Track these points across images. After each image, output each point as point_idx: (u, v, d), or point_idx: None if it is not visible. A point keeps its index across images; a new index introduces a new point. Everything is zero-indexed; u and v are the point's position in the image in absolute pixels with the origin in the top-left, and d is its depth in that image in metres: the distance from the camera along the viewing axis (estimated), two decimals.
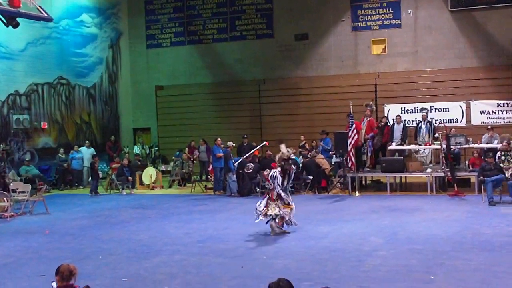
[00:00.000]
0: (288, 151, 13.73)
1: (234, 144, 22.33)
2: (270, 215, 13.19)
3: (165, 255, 11.58)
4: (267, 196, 13.38)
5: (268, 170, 13.48)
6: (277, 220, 13.31)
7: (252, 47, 29.43)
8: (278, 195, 13.22)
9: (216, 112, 29.59)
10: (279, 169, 13.28)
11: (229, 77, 29.73)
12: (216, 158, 21.69)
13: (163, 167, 27.48)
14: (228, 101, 29.30)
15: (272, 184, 13.20)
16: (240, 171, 20.93)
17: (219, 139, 22.22)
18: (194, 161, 25.80)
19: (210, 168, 23.80)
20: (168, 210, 18.22)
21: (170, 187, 24.77)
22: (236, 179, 20.94)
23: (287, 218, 13.34)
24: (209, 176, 24.59)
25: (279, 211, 13.18)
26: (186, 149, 26.15)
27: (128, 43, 31.84)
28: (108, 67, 30.83)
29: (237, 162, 21.35)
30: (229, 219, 15.99)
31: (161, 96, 30.91)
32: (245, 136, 24.42)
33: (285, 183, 13.41)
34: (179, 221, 15.77)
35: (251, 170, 20.75)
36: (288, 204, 13.37)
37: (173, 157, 26.10)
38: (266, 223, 13.37)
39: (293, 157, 20.79)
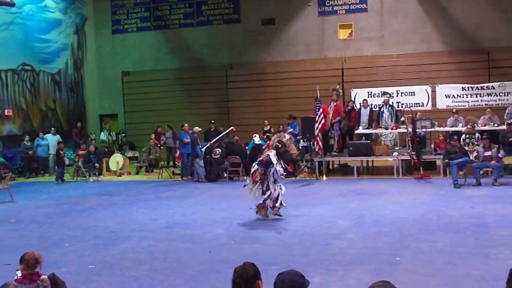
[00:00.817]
0: (286, 137, 13.73)
1: (200, 129, 22.21)
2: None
3: (133, 241, 11.52)
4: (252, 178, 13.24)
5: (267, 154, 13.16)
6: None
7: (219, 32, 29.29)
8: (263, 179, 13.04)
9: (183, 97, 29.43)
10: (274, 152, 13.10)
11: (196, 62, 29.57)
12: (183, 144, 21.59)
13: (130, 154, 27.30)
14: (195, 87, 29.14)
15: (265, 168, 12.96)
16: (208, 156, 20.89)
17: (186, 124, 22.11)
18: (161, 147, 25.67)
19: (177, 154, 23.70)
20: (136, 196, 18.12)
21: (137, 173, 24.63)
22: (203, 165, 20.89)
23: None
24: (176, 162, 24.50)
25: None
26: (153, 135, 25.97)
27: (93, 29, 31.46)
28: (73, 53, 30.44)
29: (205, 148, 21.30)
30: (196, 204, 15.95)
31: (128, 82, 30.64)
32: (212, 121, 24.35)
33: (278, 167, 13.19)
34: (146, 207, 15.69)
35: (218, 156, 20.73)
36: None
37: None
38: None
39: (259, 142, 20.90)
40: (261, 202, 13.09)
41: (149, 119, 28.72)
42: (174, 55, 30.17)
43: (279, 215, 13.17)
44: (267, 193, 13.02)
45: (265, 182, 13.05)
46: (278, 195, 13.08)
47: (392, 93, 22.49)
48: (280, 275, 3.79)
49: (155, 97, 29.47)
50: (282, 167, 13.13)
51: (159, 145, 25.55)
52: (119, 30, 31.01)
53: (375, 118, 21.91)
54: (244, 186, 13.51)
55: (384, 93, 21.77)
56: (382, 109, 21.54)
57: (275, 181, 13.08)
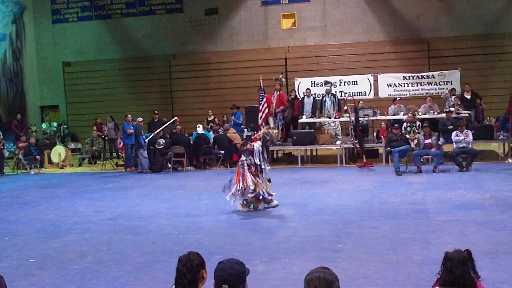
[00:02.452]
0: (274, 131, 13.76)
1: (142, 119, 21.98)
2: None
3: (75, 233, 11.36)
4: (245, 170, 13.00)
5: (252, 144, 13.10)
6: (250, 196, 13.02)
7: (162, 22, 29.05)
8: (259, 169, 12.99)
9: (126, 88, 29.14)
10: (259, 142, 13.05)
11: (139, 52, 29.28)
12: (126, 135, 21.39)
13: (72, 145, 26.90)
14: (138, 77, 28.89)
15: (254, 158, 12.91)
16: (151, 147, 20.73)
17: (129, 115, 21.92)
18: (105, 138, 25.33)
19: (121, 145, 23.46)
20: (78, 188, 17.85)
21: (80, 165, 24.30)
22: (147, 156, 20.73)
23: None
24: (120, 153, 24.25)
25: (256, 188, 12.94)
26: (94, 127, 25.60)
27: (32, 18, 30.78)
28: (12, 43, 29.77)
29: (148, 138, 21.15)
30: (140, 195, 15.82)
31: (69, 73, 30.15)
32: (156, 112, 24.18)
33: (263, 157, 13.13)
34: (89, 199, 15.48)
35: (162, 146, 20.60)
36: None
37: None
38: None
39: (202, 132, 20.88)
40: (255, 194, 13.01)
41: (92, 110, 28.35)
42: (117, 45, 29.80)
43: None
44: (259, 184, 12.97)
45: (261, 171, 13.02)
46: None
47: (335, 82, 22.66)
48: (220, 263, 3.79)
49: (97, 87, 29.10)
50: (263, 158, 13.11)
51: (102, 136, 25.21)
52: (60, 19, 30.43)
53: (318, 107, 22.08)
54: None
55: (326, 83, 21.93)
56: (324, 99, 21.68)
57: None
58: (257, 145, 12.97)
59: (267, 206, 13.08)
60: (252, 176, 12.88)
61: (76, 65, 30.07)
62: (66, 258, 9.49)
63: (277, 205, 13.08)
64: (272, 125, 13.82)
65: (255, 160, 12.89)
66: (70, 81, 30.06)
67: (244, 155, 13.12)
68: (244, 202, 12.97)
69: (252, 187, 12.79)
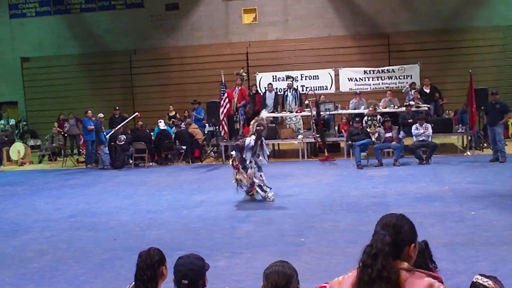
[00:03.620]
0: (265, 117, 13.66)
1: (102, 115, 21.77)
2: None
3: (35, 232, 11.23)
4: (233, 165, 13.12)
5: (243, 140, 13.05)
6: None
7: (122, 17, 28.76)
8: (244, 166, 12.92)
9: (86, 84, 28.80)
10: (253, 136, 12.91)
11: (99, 48, 28.95)
12: (87, 131, 21.17)
13: (32, 142, 26.53)
14: (98, 73, 28.58)
15: (242, 154, 12.86)
16: (113, 143, 20.56)
17: (89, 111, 21.68)
18: (65, 135, 24.99)
19: (81, 142, 23.22)
20: (38, 186, 17.63)
21: (40, 162, 23.94)
22: (108, 152, 20.55)
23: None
24: (81, 150, 23.98)
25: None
26: (56, 123, 25.28)
27: None
28: None
29: (109, 134, 20.97)
30: (102, 192, 15.69)
31: (28, 69, 29.66)
32: (117, 107, 23.95)
33: (258, 150, 13.02)
34: (49, 197, 15.30)
35: (123, 142, 20.44)
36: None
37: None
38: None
39: (164, 127, 20.80)
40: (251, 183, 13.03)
41: (52, 107, 27.97)
42: (76, 40, 29.42)
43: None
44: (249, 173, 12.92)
45: (245, 167, 12.94)
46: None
47: (297, 77, 22.72)
48: (180, 259, 3.78)
49: (57, 83, 28.68)
50: (263, 152, 13.13)
51: (62, 132, 24.88)
52: (17, 14, 29.89)
53: (280, 102, 22.12)
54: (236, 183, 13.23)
55: (288, 77, 21.96)
56: (286, 93, 21.71)
57: (258, 168, 13.06)
58: (248, 140, 12.86)
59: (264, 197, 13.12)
60: (236, 171, 12.98)
61: (35, 60, 29.61)
62: (25, 257, 9.38)
63: (273, 199, 13.06)
64: (265, 116, 13.76)
65: (244, 156, 12.81)
66: (29, 77, 29.58)
67: (235, 151, 13.15)
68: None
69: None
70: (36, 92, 29.19)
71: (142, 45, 28.58)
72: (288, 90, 21.58)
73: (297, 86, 22.03)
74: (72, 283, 8.00)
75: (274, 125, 21.06)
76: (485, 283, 3.81)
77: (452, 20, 25.96)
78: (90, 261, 8.96)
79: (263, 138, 13.11)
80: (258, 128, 12.99)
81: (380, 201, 12.40)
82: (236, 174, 13.01)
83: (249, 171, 12.91)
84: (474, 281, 3.86)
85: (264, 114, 14.04)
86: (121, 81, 28.51)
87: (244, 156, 12.85)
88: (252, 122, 13.54)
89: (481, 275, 3.89)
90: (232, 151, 13.35)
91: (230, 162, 13.42)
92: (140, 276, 3.95)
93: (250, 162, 12.90)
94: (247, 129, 13.51)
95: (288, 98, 21.46)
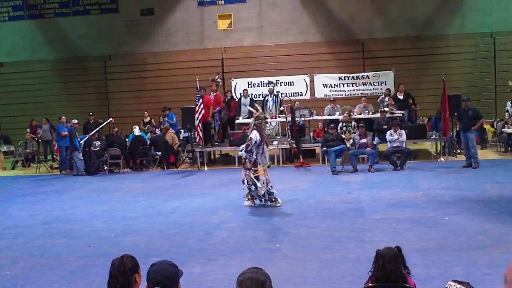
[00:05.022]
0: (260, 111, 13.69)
1: (77, 121, 21.58)
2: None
3: (8, 239, 11.12)
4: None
5: (249, 137, 12.99)
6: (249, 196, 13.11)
7: (97, 22, 28.58)
8: (254, 162, 12.91)
9: (60, 89, 28.58)
10: (256, 132, 12.94)
11: (74, 53, 28.74)
12: (61, 137, 21.01)
13: (5, 148, 26.25)
14: (73, 78, 28.36)
15: (251, 151, 12.84)
16: (87, 149, 20.42)
17: (63, 117, 21.54)
18: (39, 141, 24.77)
19: (55, 147, 23.04)
20: (11, 192, 17.43)
21: (13, 168, 23.66)
22: (82, 158, 20.40)
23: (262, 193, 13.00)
24: (55, 156, 23.80)
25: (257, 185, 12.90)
26: (28, 129, 25.02)
27: None
28: None
29: (83, 140, 20.82)
30: (76, 198, 15.57)
31: (1, 74, 29.34)
32: (91, 113, 23.83)
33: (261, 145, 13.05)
34: (23, 203, 15.14)
35: (98, 148, 20.32)
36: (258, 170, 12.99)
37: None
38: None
39: (139, 133, 20.72)
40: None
41: (25, 112, 27.69)
42: (51, 45, 29.18)
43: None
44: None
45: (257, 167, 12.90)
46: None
47: (271, 82, 22.79)
48: (152, 265, 3.77)
49: (31, 89, 28.41)
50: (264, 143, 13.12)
51: (36, 138, 24.66)
52: None
53: (256, 107, 22.08)
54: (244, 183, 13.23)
55: (270, 82, 21.98)
56: (267, 98, 21.68)
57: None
58: (253, 136, 12.90)
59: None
60: (246, 171, 13.00)
61: (8, 65, 29.29)
62: None
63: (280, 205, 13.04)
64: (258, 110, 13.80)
65: (253, 152, 12.86)
66: (2, 82, 29.25)
67: (245, 152, 13.15)
68: (249, 197, 13.11)
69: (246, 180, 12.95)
70: (10, 97, 28.87)
71: (117, 51, 28.44)
72: (269, 95, 21.55)
73: (278, 92, 21.95)
74: None
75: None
76: None
77: (426, 27, 26.21)
78: (63, 268, 8.89)
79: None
80: (256, 122, 13.08)
81: (355, 207, 12.48)
82: (249, 173, 13.00)
83: (259, 167, 12.94)
84: (447, 287, 3.90)
85: (260, 110, 14.09)
86: (95, 87, 28.34)
87: (254, 150, 12.87)
88: (251, 120, 13.65)
89: (454, 281, 3.93)
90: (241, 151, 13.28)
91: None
92: (113, 284, 3.93)
93: (256, 160, 12.92)
94: (244, 128, 13.41)
95: (268, 103, 21.42)
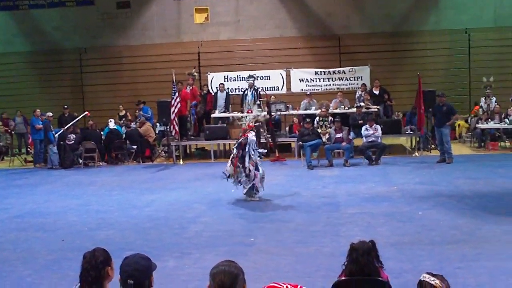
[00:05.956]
0: (262, 114, 13.70)
1: (51, 114, 21.37)
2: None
3: None
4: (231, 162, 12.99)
5: (246, 137, 12.90)
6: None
7: (72, 15, 28.30)
8: (243, 162, 12.78)
9: (35, 82, 28.30)
10: (253, 133, 12.90)
11: (49, 45, 28.44)
12: (35, 130, 20.83)
13: None
14: (47, 71, 28.09)
15: (244, 151, 12.74)
16: (62, 142, 20.25)
17: (38, 110, 21.33)
18: (12, 133, 24.49)
19: (30, 141, 22.83)
20: None
21: None
22: (57, 151, 20.23)
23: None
24: (29, 149, 23.59)
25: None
26: (0, 122, 24.71)
27: None
28: None
29: (58, 134, 20.64)
30: (50, 192, 15.45)
31: None
32: (66, 106, 23.64)
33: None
34: None
35: (72, 142, 20.16)
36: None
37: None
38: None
39: (114, 126, 20.61)
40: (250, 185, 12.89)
41: (1, 105, 27.32)
42: (25, 37, 28.87)
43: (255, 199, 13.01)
44: (252, 175, 12.79)
45: (245, 165, 12.78)
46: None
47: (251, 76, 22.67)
48: (125, 259, 3.76)
49: (4, 81, 28.08)
50: (257, 148, 12.96)
51: (9, 131, 24.39)
52: None
53: (235, 101, 22.07)
54: (226, 177, 13.14)
55: (250, 76, 21.84)
56: (246, 92, 21.57)
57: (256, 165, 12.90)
58: (251, 136, 12.85)
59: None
60: (232, 164, 12.93)
61: None
62: None
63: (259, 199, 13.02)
64: (256, 113, 13.73)
65: (245, 152, 12.74)
66: None
67: (236, 148, 13.12)
68: (248, 191, 12.98)
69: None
70: None
71: (92, 43, 28.21)
72: (249, 89, 21.41)
73: (257, 86, 21.78)
74: (18, 285, 7.87)
75: (225, 125, 21.03)
76: (432, 282, 3.90)
77: (402, 23, 26.37)
78: (36, 262, 8.83)
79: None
80: (256, 124, 13.14)
81: (330, 201, 12.53)
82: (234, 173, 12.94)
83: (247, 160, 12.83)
84: (421, 279, 3.95)
85: (262, 113, 14.07)
86: (70, 80, 28.10)
87: (245, 152, 12.77)
88: (249, 117, 13.65)
89: (428, 273, 3.98)
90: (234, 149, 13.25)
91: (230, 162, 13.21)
92: (84, 277, 3.91)
93: (250, 158, 12.82)
94: (249, 126, 13.32)
95: (247, 98, 21.28)
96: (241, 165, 12.84)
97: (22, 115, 24.20)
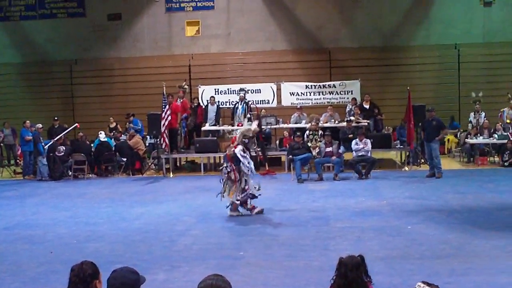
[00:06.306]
0: (253, 127, 13.59)
1: (41, 126, 21.30)
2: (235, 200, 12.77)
3: None
4: (227, 177, 12.82)
5: (232, 150, 12.79)
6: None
7: (63, 26, 28.28)
8: (240, 176, 12.71)
9: (25, 93, 28.24)
10: (241, 147, 12.77)
11: (39, 57, 28.39)
12: (25, 142, 20.76)
13: None
14: (38, 82, 28.05)
15: (233, 163, 12.65)
16: (51, 154, 20.19)
17: (27, 121, 21.31)
18: (2, 145, 24.35)
19: (19, 152, 22.75)
20: None
21: None
22: (47, 163, 20.16)
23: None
24: (18, 160, 23.49)
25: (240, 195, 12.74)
26: None
27: None
28: None
29: (48, 145, 20.57)
30: (39, 204, 15.39)
31: None
32: (56, 118, 23.58)
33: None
34: None
35: (62, 153, 20.10)
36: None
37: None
38: (227, 207, 12.88)
39: (105, 139, 20.58)
40: (240, 199, 12.83)
41: None
42: (16, 48, 28.82)
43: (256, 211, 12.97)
44: (246, 189, 12.78)
45: (242, 179, 12.75)
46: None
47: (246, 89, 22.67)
48: (113, 272, 3.75)
49: None
50: (248, 162, 12.84)
51: None
52: None
53: (226, 114, 22.06)
54: (219, 194, 12.95)
55: (241, 90, 21.84)
56: (237, 105, 21.55)
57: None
58: (237, 150, 12.72)
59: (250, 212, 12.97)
60: (229, 182, 12.77)
61: None
62: None
63: (262, 211, 12.97)
64: (247, 126, 13.67)
65: (240, 166, 12.67)
66: None
67: (224, 162, 13.07)
68: (232, 207, 12.84)
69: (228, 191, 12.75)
70: None
71: (83, 55, 28.18)
72: (240, 102, 21.40)
73: (247, 100, 21.75)
74: None
75: (215, 138, 21.02)
76: None
77: (392, 38, 26.51)
78: (25, 274, 8.78)
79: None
80: (243, 140, 12.97)
81: (320, 215, 12.53)
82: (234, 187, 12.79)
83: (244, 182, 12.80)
84: (416, 287, 3.98)
85: (253, 125, 14.00)
86: (61, 91, 28.04)
87: (242, 166, 12.69)
88: (238, 134, 13.41)
89: (423, 282, 4.01)
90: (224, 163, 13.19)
91: (223, 174, 13.05)
92: None
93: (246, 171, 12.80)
94: (233, 139, 13.25)
95: (238, 111, 21.27)
96: (239, 179, 12.79)
97: (10, 127, 24.08)
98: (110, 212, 13.73)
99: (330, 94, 22.89)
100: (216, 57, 27.18)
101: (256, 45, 27.20)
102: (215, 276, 3.43)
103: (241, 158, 12.66)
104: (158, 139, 20.29)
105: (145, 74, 26.90)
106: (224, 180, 12.91)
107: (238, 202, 12.85)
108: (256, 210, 12.96)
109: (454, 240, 9.97)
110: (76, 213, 13.80)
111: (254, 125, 14.16)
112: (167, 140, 19.51)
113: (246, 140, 13.06)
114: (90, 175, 20.44)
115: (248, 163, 12.84)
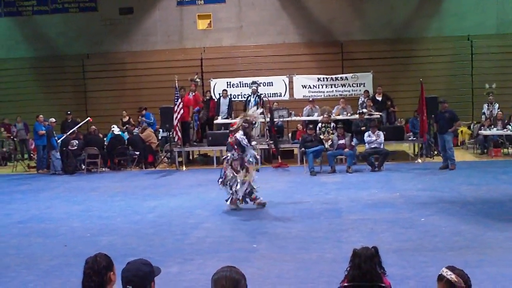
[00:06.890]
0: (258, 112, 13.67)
1: (54, 120, 21.36)
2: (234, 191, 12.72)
3: None
4: (229, 168, 12.78)
5: (234, 136, 12.76)
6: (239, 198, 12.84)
7: (75, 20, 28.35)
8: (242, 164, 12.70)
9: (38, 87, 28.32)
10: (241, 132, 12.75)
11: (52, 51, 28.47)
12: (38, 136, 20.86)
13: None
14: (51, 76, 28.11)
15: (239, 150, 12.63)
16: (64, 148, 20.28)
17: (41, 116, 21.39)
18: (15, 139, 24.51)
19: (32, 146, 22.85)
20: None
21: None
22: (60, 157, 20.25)
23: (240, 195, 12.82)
24: (32, 155, 23.61)
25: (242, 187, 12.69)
26: (2, 128, 24.68)
27: None
28: None
29: (61, 139, 20.66)
30: (52, 198, 15.47)
31: None
32: (69, 112, 23.65)
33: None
34: None
35: (75, 147, 20.18)
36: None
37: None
38: (227, 200, 12.88)
39: (118, 132, 20.63)
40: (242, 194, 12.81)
41: (2, 111, 27.36)
42: (28, 43, 28.91)
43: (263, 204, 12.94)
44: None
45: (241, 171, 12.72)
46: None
47: (259, 82, 22.63)
48: (127, 264, 3.77)
49: (7, 87, 28.11)
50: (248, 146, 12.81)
51: (12, 137, 24.42)
52: None
53: (238, 108, 22.06)
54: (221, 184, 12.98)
55: (253, 83, 21.80)
56: (249, 98, 21.51)
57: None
58: (238, 135, 12.70)
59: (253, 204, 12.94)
60: (232, 171, 12.72)
61: None
62: None
63: (265, 204, 12.93)
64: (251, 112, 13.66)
65: (246, 152, 12.67)
66: None
67: (228, 150, 13.07)
68: (232, 199, 12.83)
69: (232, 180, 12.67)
70: None
71: (95, 49, 28.25)
72: (252, 95, 21.35)
73: (260, 93, 21.69)
74: None
75: (227, 131, 20.98)
76: (448, 276, 3.98)
77: (404, 30, 26.38)
78: (39, 267, 8.84)
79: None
80: (243, 124, 12.90)
81: (332, 208, 12.52)
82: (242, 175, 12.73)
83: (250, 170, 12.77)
84: (440, 273, 4.06)
85: (257, 111, 13.98)
86: (73, 86, 28.12)
87: (243, 150, 12.69)
88: (239, 119, 13.41)
89: (448, 267, 4.08)
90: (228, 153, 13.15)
91: (225, 165, 13.03)
92: (87, 283, 3.91)
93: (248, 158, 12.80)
94: (233, 123, 13.18)
95: (250, 104, 21.19)
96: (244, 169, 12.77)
97: (22, 121, 24.22)
98: (123, 205, 13.78)
99: (342, 86, 22.88)
100: (228, 50, 27.17)
101: (268, 38, 27.15)
102: (229, 267, 3.44)
103: (244, 142, 12.61)
104: (170, 133, 20.32)
105: (157, 67, 26.92)
106: (224, 171, 12.87)
107: (240, 198, 12.83)
108: (258, 201, 12.92)
109: (467, 232, 9.94)
110: (89, 206, 13.86)
111: (255, 110, 14.09)
112: (179, 134, 19.55)
113: (246, 125, 12.91)
114: (103, 168, 20.52)
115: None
